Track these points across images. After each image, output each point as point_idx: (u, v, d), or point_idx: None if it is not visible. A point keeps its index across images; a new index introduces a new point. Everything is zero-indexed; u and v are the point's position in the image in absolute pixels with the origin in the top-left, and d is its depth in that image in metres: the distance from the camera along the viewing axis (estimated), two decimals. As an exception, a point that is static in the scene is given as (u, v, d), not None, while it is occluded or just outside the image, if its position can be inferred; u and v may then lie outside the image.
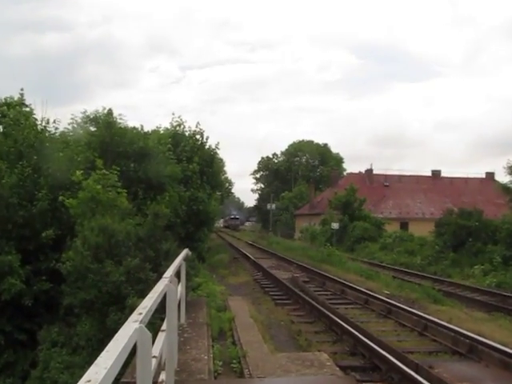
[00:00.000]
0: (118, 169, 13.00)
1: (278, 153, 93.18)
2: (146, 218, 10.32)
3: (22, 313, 10.86)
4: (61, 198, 12.00)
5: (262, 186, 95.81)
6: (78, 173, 12.31)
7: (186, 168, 20.74)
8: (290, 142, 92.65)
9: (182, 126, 23.49)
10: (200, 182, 21.95)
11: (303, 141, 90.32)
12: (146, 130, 20.16)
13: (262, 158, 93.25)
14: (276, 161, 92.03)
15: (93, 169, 12.73)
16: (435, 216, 41.53)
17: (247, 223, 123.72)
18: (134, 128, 18.44)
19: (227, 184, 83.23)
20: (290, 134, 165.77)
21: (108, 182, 12.25)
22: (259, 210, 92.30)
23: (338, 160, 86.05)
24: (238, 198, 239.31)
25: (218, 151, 24.27)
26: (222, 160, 35.80)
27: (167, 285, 4.28)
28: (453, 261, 24.89)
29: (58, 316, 9.89)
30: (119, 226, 9.49)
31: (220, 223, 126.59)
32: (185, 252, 8.69)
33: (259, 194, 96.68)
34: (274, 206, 63.58)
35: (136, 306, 2.91)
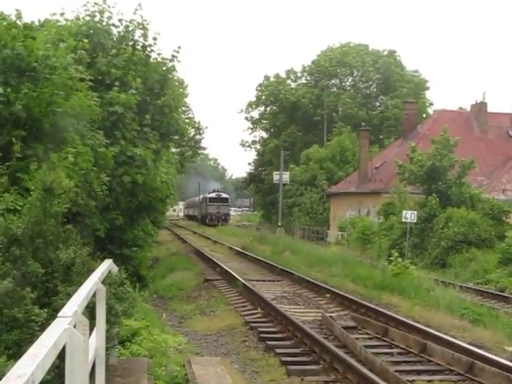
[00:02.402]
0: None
1: (298, 69, 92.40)
2: (29, 197, 10.35)
3: None
4: None
5: (264, 135, 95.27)
6: None
7: (113, 99, 20.79)
8: (324, 49, 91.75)
9: (105, 15, 23.50)
10: (139, 128, 22.04)
11: (347, 45, 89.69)
12: (28, 20, 19.77)
13: (266, 78, 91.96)
14: (293, 85, 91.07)
15: None
16: None
17: (232, 210, 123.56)
18: (4, 18, 18.22)
19: (193, 131, 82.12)
20: (322, 40, 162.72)
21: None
22: (258, 184, 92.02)
23: (418, 84, 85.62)
24: (216, 162, 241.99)
25: (177, 65, 24.81)
26: (182, 82, 35.45)
27: (68, 331, 4.30)
28: None
29: None
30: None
31: (178, 210, 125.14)
32: (105, 267, 8.87)
33: (258, 153, 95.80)
34: (286, 176, 62.18)
35: (6, 373, 2.94)
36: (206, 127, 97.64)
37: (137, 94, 21.43)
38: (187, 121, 33.18)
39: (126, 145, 21.00)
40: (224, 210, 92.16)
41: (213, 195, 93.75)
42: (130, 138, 21.42)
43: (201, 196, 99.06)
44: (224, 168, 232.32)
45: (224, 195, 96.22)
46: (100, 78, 21.21)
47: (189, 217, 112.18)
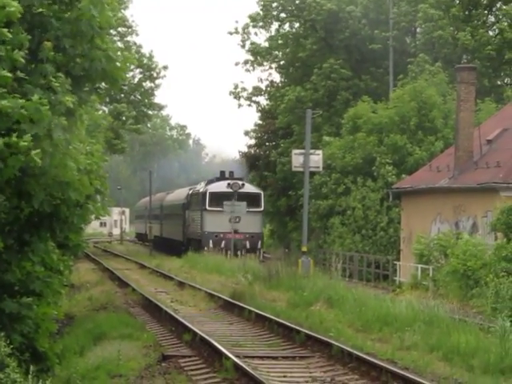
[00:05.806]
0: None
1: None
2: None
3: None
4: None
5: (277, 78, 65.57)
6: None
7: None
8: None
9: None
10: (32, 66, 15.95)
11: None
12: None
13: None
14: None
15: None
16: None
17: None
18: None
19: (139, 73, 65.63)
20: None
21: None
22: (262, 173, 65.29)
23: None
24: (184, 132, 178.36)
25: None
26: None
27: None
28: None
29: None
30: None
31: (111, 223, 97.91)
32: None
33: (263, 113, 65.34)
34: (318, 157, 40.74)
35: None
36: (165, 67, 71.02)
37: None
38: (126, 54, 22.16)
39: (1, 94, 14.41)
40: (251, 226, 51.25)
41: (220, 186, 53.84)
42: (11, 83, 14.57)
43: (184, 190, 64.06)
44: (200, 143, 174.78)
45: (249, 187, 56.47)
46: None
47: (142, 237, 76.08)
